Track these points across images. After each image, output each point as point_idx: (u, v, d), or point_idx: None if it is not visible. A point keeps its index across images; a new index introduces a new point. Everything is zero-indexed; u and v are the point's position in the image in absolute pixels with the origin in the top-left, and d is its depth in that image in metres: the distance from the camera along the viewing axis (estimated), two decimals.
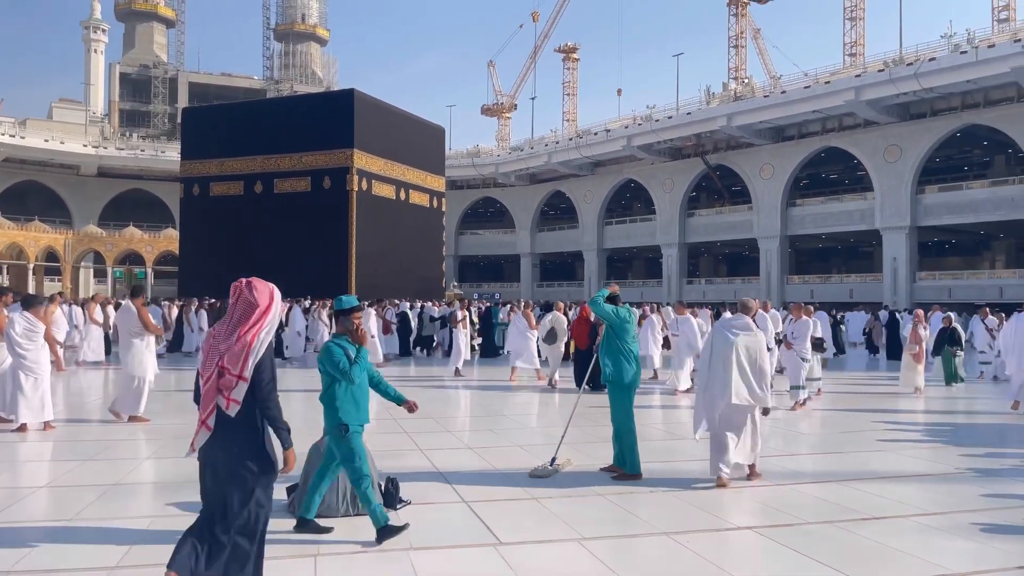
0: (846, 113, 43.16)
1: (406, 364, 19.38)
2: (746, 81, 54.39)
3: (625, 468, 6.83)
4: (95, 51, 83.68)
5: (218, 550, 3.66)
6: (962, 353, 15.44)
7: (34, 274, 51.15)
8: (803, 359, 11.79)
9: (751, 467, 6.84)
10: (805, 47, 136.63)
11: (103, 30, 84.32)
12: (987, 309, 17.72)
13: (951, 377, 15.10)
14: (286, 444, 3.79)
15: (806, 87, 44.11)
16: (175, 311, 21.93)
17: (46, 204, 59.37)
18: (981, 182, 41.68)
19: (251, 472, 3.67)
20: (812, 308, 14.24)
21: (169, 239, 50.60)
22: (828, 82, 43.14)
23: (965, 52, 36.84)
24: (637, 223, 58.23)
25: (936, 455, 8.20)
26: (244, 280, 3.87)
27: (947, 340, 15.27)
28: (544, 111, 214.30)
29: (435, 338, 22.68)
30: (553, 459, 7.09)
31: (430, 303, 26.22)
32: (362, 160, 31.11)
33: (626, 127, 53.61)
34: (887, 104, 40.72)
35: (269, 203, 31.71)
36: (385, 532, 4.87)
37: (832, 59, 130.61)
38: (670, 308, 18.20)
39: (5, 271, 50.83)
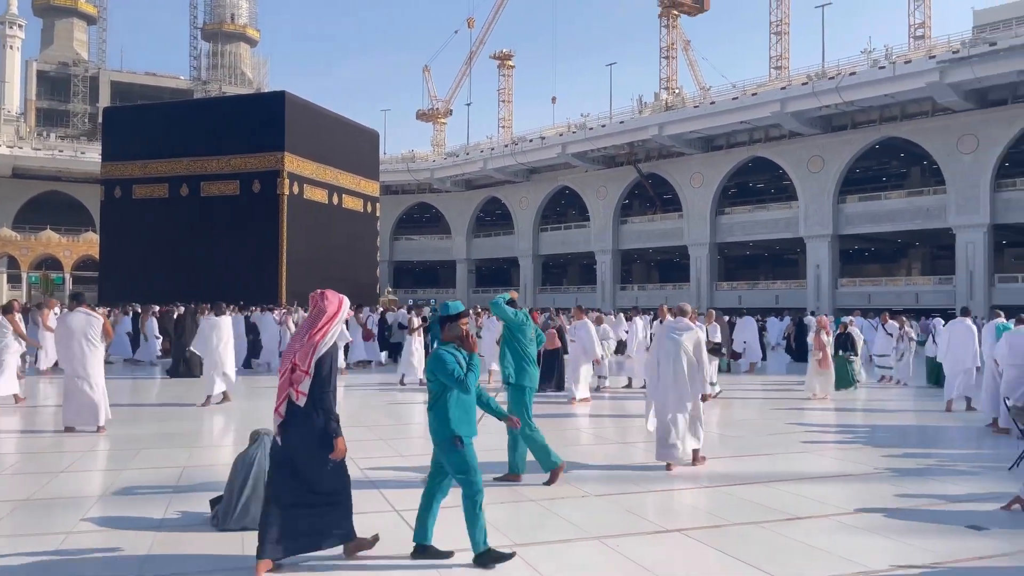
0: (772, 124, 44.53)
1: (387, 371, 18.90)
2: (677, 91, 55.60)
3: (543, 468, 6.80)
4: (10, 47, 79.75)
5: (318, 510, 4.52)
6: (856, 358, 15.47)
7: None
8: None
9: (696, 451, 7.61)
10: (733, 60, 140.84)
11: (19, 25, 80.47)
12: (887, 315, 18.00)
13: (845, 382, 14.82)
14: (334, 433, 4.47)
15: (734, 98, 45.34)
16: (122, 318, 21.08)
17: None
18: (898, 192, 43.57)
19: (314, 457, 4.48)
20: (675, 311, 14.10)
21: (89, 243, 48.70)
22: (755, 94, 44.45)
23: (883, 68, 38.49)
24: (572, 230, 58.79)
25: (857, 456, 8.47)
26: (320, 291, 4.66)
27: (841, 345, 15.39)
28: (480, 117, 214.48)
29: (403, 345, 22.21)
30: None
31: (403, 309, 25.62)
32: (293, 163, 30.55)
33: (561, 135, 54.12)
34: (810, 116, 42.19)
35: (196, 207, 30.82)
36: (487, 557, 4.59)
37: (759, 72, 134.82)
38: (610, 314, 18.28)
39: None
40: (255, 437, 5.65)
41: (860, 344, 16.26)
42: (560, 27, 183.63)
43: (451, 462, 4.68)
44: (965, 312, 12.74)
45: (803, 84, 41.75)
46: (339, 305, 4.60)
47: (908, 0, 57.72)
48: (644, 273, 63.60)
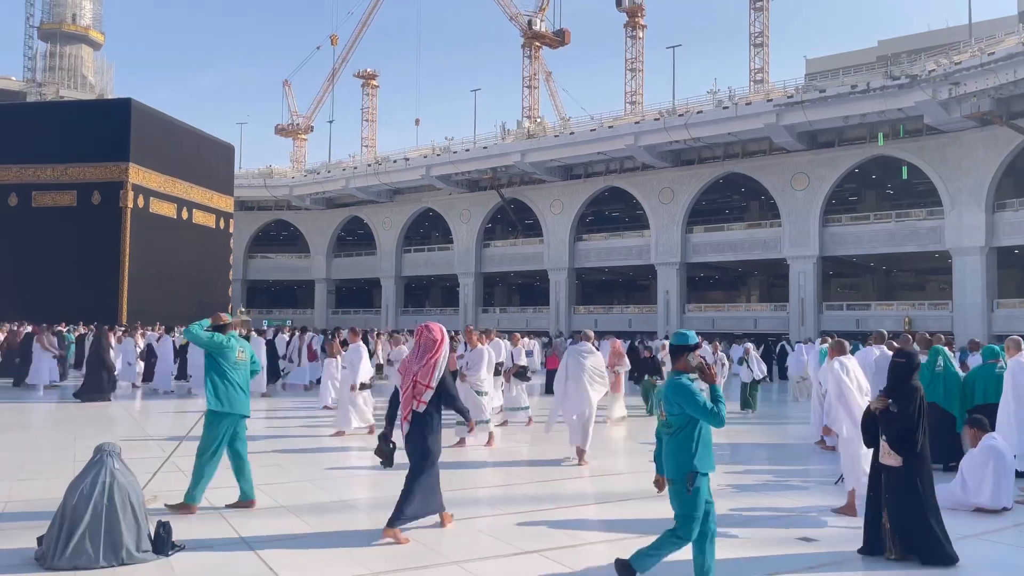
0: (627, 156, 46.64)
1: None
2: (539, 121, 57.15)
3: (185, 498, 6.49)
4: None
5: (417, 492, 5.85)
6: (661, 382, 16.13)
7: None
8: (478, 392, 10.86)
9: (581, 451, 9.26)
10: (592, 93, 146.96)
11: None
12: (717, 343, 18.43)
13: (648, 407, 14.65)
14: (467, 418, 6.41)
15: (592, 130, 47.15)
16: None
17: None
18: (740, 224, 46.77)
19: (428, 449, 5.90)
20: (495, 334, 14.30)
21: None
22: (611, 127, 46.45)
23: (727, 108, 41.34)
24: (436, 252, 58.79)
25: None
26: (424, 324, 6.18)
27: (647, 370, 15.82)
28: (342, 136, 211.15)
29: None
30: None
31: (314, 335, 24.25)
32: (139, 175, 28.86)
33: (425, 157, 54.18)
34: (662, 150, 44.57)
35: (26, 218, 28.43)
36: None
37: (615, 106, 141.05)
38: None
39: None
40: (97, 453, 5.23)
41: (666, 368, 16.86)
42: (425, 50, 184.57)
43: (680, 500, 4.50)
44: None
45: (655, 119, 44.07)
46: (442, 333, 6.13)
47: (750, 46, 62.43)
48: (506, 296, 64.51)
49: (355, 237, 64.63)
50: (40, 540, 5.09)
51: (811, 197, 41.35)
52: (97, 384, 15.52)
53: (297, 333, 21.58)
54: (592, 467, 9.21)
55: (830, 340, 8.24)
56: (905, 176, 39.05)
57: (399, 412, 6.03)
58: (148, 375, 18.65)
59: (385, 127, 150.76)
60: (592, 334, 10.51)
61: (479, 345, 11.27)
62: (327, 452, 10.15)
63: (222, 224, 35.19)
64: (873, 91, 36.48)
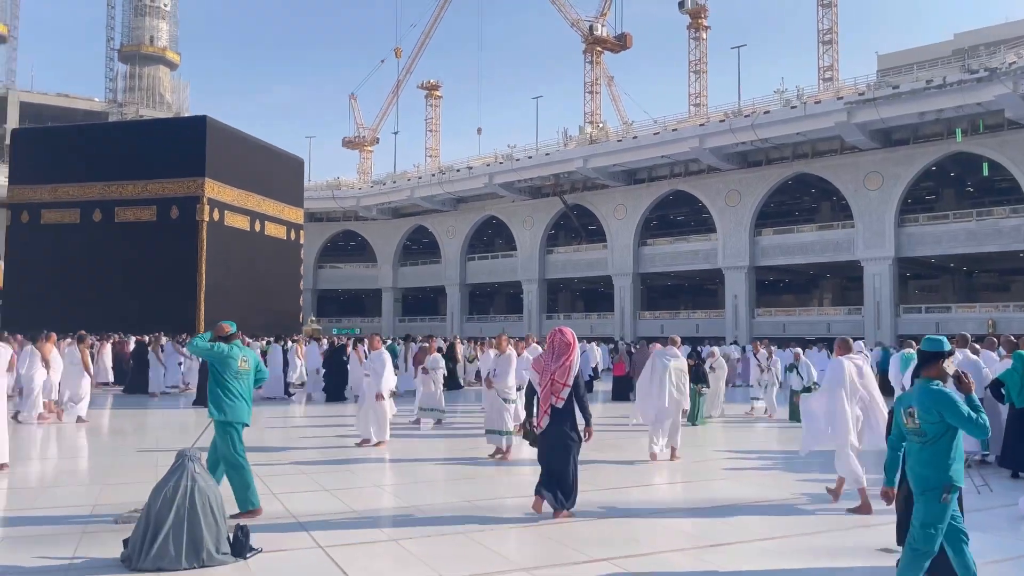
0: (691, 159, 46.01)
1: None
2: (601, 126, 56.90)
3: (240, 507, 6.51)
4: None
5: (559, 487, 6.66)
6: (707, 390, 14.74)
7: None
8: (505, 399, 10.32)
9: (673, 449, 9.90)
10: (655, 96, 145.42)
11: None
12: (758, 343, 17.81)
13: (694, 417, 13.74)
14: (589, 423, 6.79)
15: (655, 133, 46.69)
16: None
17: None
18: (810, 226, 45.54)
19: (571, 439, 6.75)
20: (533, 340, 14.02)
21: None
22: (675, 130, 45.89)
23: (795, 107, 40.37)
24: (499, 259, 59.06)
25: (776, 482, 8.72)
26: (558, 328, 6.96)
27: (693, 378, 14.52)
28: (407, 146, 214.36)
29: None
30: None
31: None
32: (214, 189, 29.84)
33: (488, 165, 54.55)
34: (728, 152, 43.79)
35: (110, 233, 29.71)
36: None
37: (679, 108, 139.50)
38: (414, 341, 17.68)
39: None
40: (179, 459, 5.41)
41: (721, 375, 15.90)
42: (486, 60, 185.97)
43: (928, 511, 4.21)
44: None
45: (720, 121, 43.37)
46: (573, 337, 6.95)
47: (818, 44, 60.91)
48: (570, 302, 64.32)
49: (420, 246, 65.47)
50: (126, 542, 5.28)
51: (885, 197, 40.00)
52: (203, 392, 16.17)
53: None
54: (654, 474, 9.08)
55: (840, 339, 8.12)
56: (986, 173, 37.37)
57: (538, 407, 6.81)
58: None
59: (448, 137, 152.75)
60: (679, 340, 11.10)
61: (508, 351, 10.80)
62: (402, 458, 10.28)
63: (293, 236, 36.09)
64: (950, 86, 35.10)
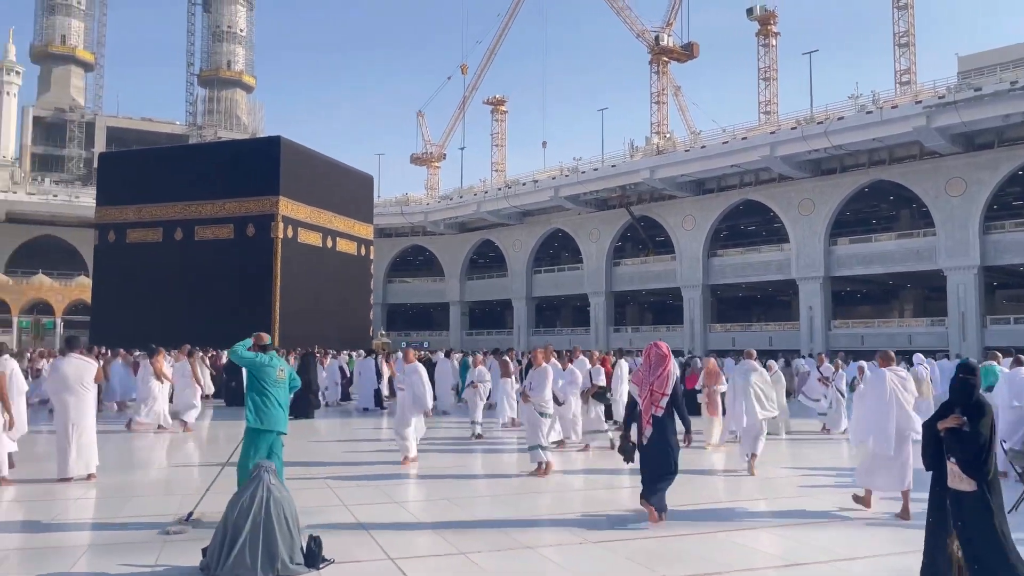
0: (762, 168, 45.06)
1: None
2: (668, 136, 56.35)
3: None
4: (7, 94, 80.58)
5: (658, 491, 7.06)
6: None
7: None
8: (541, 413, 9.93)
9: (753, 457, 10.09)
10: (723, 105, 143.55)
11: (17, 72, 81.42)
12: (823, 355, 16.86)
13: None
14: (689, 430, 7.41)
15: (724, 143, 45.91)
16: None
17: None
18: (889, 235, 43.91)
19: (670, 446, 7.12)
20: (579, 352, 13.56)
21: (81, 287, 48.51)
22: (745, 138, 45.04)
23: (871, 112, 39.13)
24: (565, 272, 58.93)
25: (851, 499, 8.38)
26: (654, 343, 7.42)
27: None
28: (473, 161, 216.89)
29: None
30: (190, 514, 6.85)
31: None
32: (288, 207, 30.67)
33: (553, 178, 54.60)
34: (800, 160, 42.72)
35: (190, 250, 30.82)
36: None
37: (748, 117, 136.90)
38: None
39: None
40: (255, 470, 5.53)
41: (780, 390, 14.69)
42: (551, 73, 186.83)
43: None
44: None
45: (792, 129, 42.36)
46: (667, 350, 7.40)
47: (894, 47, 59.03)
48: (638, 315, 63.65)
49: (487, 260, 65.91)
50: (205, 551, 5.42)
51: (969, 203, 38.31)
52: (304, 404, 16.71)
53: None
54: (728, 488, 8.84)
55: (881, 352, 8.43)
56: None
57: (640, 418, 7.24)
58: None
59: (514, 150, 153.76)
60: (754, 352, 11.51)
61: (543, 364, 10.38)
62: (471, 473, 10.30)
63: (363, 251, 36.79)
64: None
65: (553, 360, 12.08)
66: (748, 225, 52.89)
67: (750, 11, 64.88)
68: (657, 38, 66.32)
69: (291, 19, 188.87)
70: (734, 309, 57.95)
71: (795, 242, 44.81)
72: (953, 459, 4.88)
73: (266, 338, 7.39)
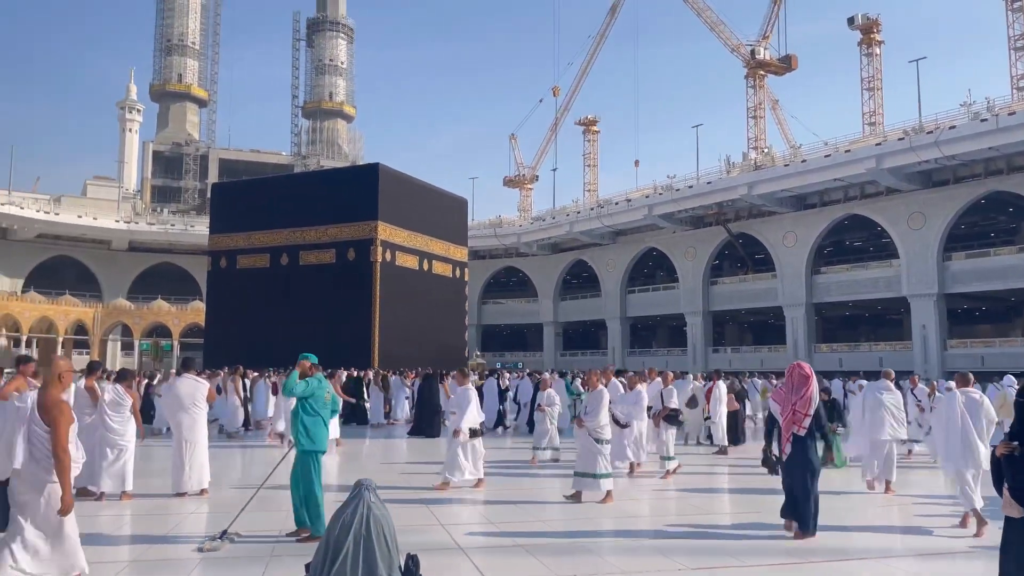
0: (868, 181, 43.22)
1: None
2: (766, 151, 54.89)
3: (313, 531, 6.94)
4: (129, 130, 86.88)
5: (800, 508, 7.20)
6: (843, 429, 13.16)
7: (63, 347, 51.82)
8: (598, 440, 9.30)
9: (888, 483, 10.14)
10: (824, 117, 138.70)
11: (138, 110, 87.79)
12: (916, 377, 15.59)
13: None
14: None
15: (827, 156, 44.34)
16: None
17: (77, 278, 60.57)
18: (1009, 248, 41.16)
19: (813, 466, 7.23)
20: (654, 374, 13.08)
21: (196, 311, 51.25)
22: (848, 151, 43.37)
23: (985, 120, 36.97)
24: (660, 291, 58.04)
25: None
26: (796, 363, 7.58)
27: (827, 415, 12.73)
28: (566, 182, 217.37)
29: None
30: (224, 531, 6.89)
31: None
32: (386, 232, 31.52)
33: (647, 196, 54.04)
34: (909, 172, 40.74)
35: (295, 275, 32.07)
36: None
37: (851, 128, 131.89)
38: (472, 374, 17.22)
39: (35, 344, 51.55)
40: (356, 487, 5.64)
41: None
42: (643, 92, 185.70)
43: None
44: None
45: (899, 139, 40.50)
46: (810, 370, 7.50)
47: (1009, 51, 55.67)
48: (737, 335, 61.93)
49: (580, 280, 65.72)
50: (307, 567, 5.56)
51: None
52: (428, 423, 17.32)
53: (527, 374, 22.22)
54: (848, 510, 8.41)
55: (958, 373, 8.43)
56: None
57: (780, 436, 7.47)
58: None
59: (606, 170, 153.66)
60: (892, 373, 11.14)
61: (599, 387, 9.81)
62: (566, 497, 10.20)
63: (458, 273, 37.37)
64: None
65: (615, 381, 11.84)
66: (854, 241, 50.77)
67: (851, 20, 62.73)
68: (753, 51, 64.94)
69: (388, 51, 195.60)
70: (840, 328, 55.56)
71: (905, 258, 42.66)
72: (1006, 485, 4.74)
73: (308, 365, 7.62)
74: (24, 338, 49.84)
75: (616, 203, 56.26)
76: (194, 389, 9.74)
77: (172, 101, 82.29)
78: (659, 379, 12.89)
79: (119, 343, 59.25)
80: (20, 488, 5.07)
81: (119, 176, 78.65)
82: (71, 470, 5.12)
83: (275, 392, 16.63)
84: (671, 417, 11.51)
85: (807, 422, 7.20)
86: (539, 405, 13.51)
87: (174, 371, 19.54)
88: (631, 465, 11.74)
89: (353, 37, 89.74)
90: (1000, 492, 4.84)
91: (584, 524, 8.27)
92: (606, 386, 11.49)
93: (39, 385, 6.26)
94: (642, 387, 11.81)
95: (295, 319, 30.52)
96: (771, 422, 7.85)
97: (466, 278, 38.48)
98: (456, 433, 10.09)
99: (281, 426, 15.65)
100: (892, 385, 10.78)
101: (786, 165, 46.56)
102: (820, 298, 47.62)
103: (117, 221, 60.16)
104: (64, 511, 5.05)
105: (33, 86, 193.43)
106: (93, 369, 10.14)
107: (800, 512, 7.18)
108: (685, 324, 54.93)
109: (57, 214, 56.82)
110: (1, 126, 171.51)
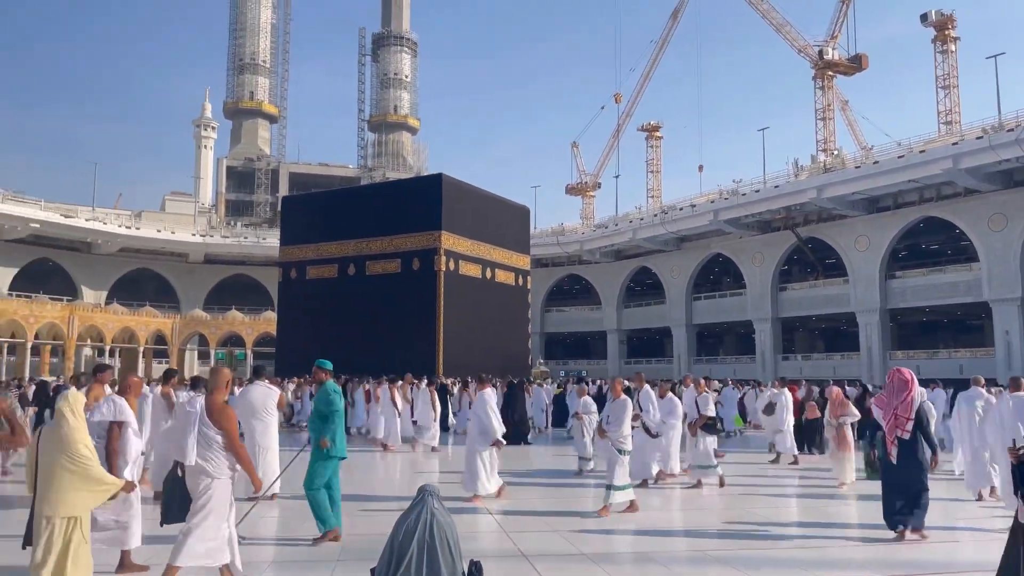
0: (944, 182, 41.64)
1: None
2: (836, 152, 53.44)
3: (328, 528, 7.31)
4: (205, 147, 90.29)
5: (916, 506, 7.53)
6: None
7: (143, 357, 54.03)
8: (619, 450, 9.08)
9: (993, 488, 10.12)
10: (896, 117, 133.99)
11: (212, 128, 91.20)
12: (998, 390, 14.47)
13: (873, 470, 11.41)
14: (936, 452, 7.69)
15: (900, 157, 42.91)
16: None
17: (157, 290, 63.14)
18: None
19: (921, 466, 7.59)
20: (689, 380, 12.75)
21: (268, 321, 52.73)
22: (923, 151, 41.88)
23: None
24: (727, 298, 57.02)
25: None
26: (896, 368, 7.88)
27: (876, 424, 11.84)
28: (629, 189, 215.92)
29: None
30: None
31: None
32: (449, 241, 31.84)
33: (712, 201, 53.23)
34: (988, 171, 39.07)
35: (361, 285, 32.66)
36: None
37: (926, 128, 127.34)
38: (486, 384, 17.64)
39: (117, 354, 53.88)
40: (420, 493, 5.74)
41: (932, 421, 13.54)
42: (707, 96, 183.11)
43: None
44: None
45: (978, 138, 38.89)
46: (911, 375, 7.79)
47: None
48: (808, 342, 60.32)
49: (643, 287, 65.09)
50: (372, 572, 5.68)
51: None
52: (516, 431, 17.54)
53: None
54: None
55: (1011, 377, 8.96)
56: None
57: (884, 440, 7.72)
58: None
59: (670, 176, 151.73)
60: (982, 380, 11.19)
61: (621, 396, 9.47)
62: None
63: (520, 281, 37.45)
64: None
65: (646, 388, 11.58)
66: (930, 244, 48.95)
67: (924, 17, 60.64)
68: (820, 52, 63.40)
69: (450, 62, 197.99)
70: (917, 335, 53.54)
71: (986, 261, 40.89)
72: (1019, 493, 4.65)
73: (321, 373, 7.88)
74: (108, 348, 52.12)
75: (680, 208, 55.58)
76: (265, 396, 10.06)
77: (244, 118, 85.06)
78: (692, 387, 12.55)
79: (196, 352, 61.45)
80: (190, 483, 5.66)
81: (195, 191, 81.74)
82: (246, 460, 5.89)
83: (368, 400, 17.57)
84: (708, 426, 11.19)
85: (910, 425, 7.51)
86: (576, 412, 13.44)
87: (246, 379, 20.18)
88: (659, 474, 11.65)
89: (416, 51, 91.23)
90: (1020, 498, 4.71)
91: (648, 534, 8.22)
92: (635, 394, 11.51)
93: (109, 393, 6.63)
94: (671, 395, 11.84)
95: (362, 328, 31.06)
96: (874, 427, 8.15)
97: (529, 286, 38.52)
98: (497, 444, 9.82)
99: (381, 432, 16.55)
100: (984, 392, 10.72)
101: (857, 167, 45.23)
102: (895, 303, 46.03)
103: (193, 235, 62.54)
104: (257, 488, 6.24)
105: (115, 108, 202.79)
106: (169, 377, 10.57)
107: (917, 510, 7.47)
108: (753, 331, 53.81)
109: (138, 229, 59.38)
110: (86, 146, 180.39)
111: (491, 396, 10.11)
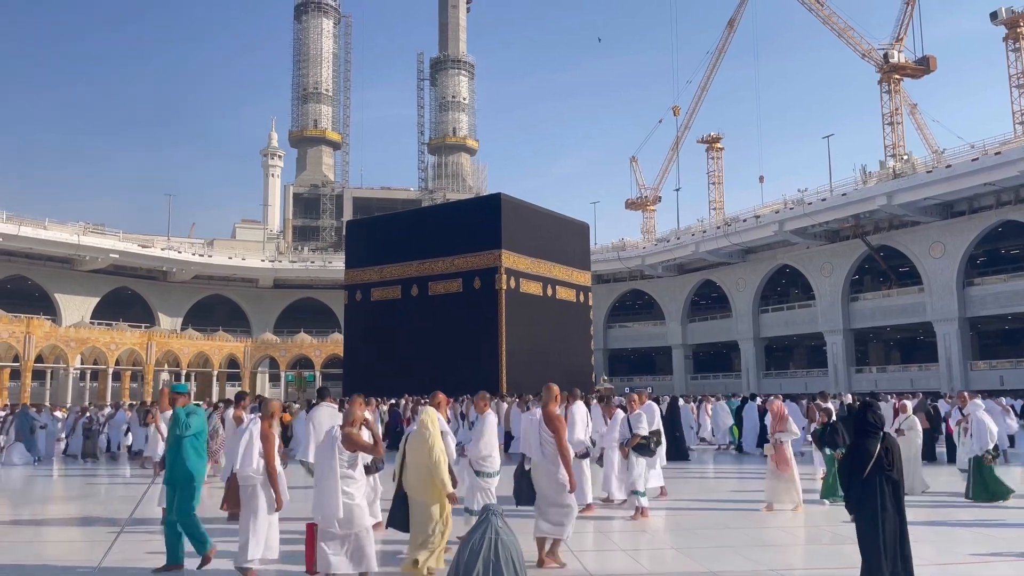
0: (1023, 184, 39.90)
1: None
2: (905, 157, 51.79)
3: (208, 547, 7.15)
4: (272, 175, 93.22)
5: None
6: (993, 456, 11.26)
7: (217, 380, 55.72)
8: (477, 472, 8.65)
9: None
10: (969, 119, 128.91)
11: (279, 156, 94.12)
12: (965, 394, 13.68)
13: (829, 490, 10.89)
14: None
15: (974, 159, 41.36)
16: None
17: (229, 315, 65.22)
18: None
19: None
20: (646, 397, 11.64)
21: (335, 343, 53.82)
22: (999, 152, 40.27)
23: None
24: (796, 310, 55.63)
25: None
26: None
27: (826, 440, 10.71)
28: (689, 202, 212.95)
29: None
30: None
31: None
32: (510, 259, 31.98)
33: (777, 212, 52.16)
34: None
35: (424, 305, 33.07)
36: None
37: (1001, 129, 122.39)
38: (508, 401, 16.43)
39: (193, 378, 55.72)
40: (483, 513, 5.78)
41: (914, 439, 12.29)
42: (767, 105, 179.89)
43: None
44: None
45: None
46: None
47: None
48: (883, 353, 58.30)
49: (708, 301, 64.05)
50: None
51: None
52: (676, 447, 17.66)
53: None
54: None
55: None
56: None
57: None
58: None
59: (732, 187, 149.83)
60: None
61: (487, 412, 8.76)
62: (697, 522, 9.95)
63: (582, 298, 37.33)
64: None
65: (578, 403, 10.56)
66: (1010, 249, 46.90)
67: (994, 15, 58.51)
68: (886, 56, 61.73)
69: (507, 82, 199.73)
70: (1000, 344, 51.15)
71: None
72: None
73: (176, 396, 7.77)
74: (184, 372, 53.96)
75: (744, 220, 54.63)
76: (331, 417, 10.25)
77: (309, 146, 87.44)
78: (651, 403, 11.57)
79: (267, 375, 63.07)
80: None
81: (264, 218, 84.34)
82: (273, 475, 6.83)
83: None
84: (642, 447, 10.25)
85: None
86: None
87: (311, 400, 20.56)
88: (605, 499, 10.97)
89: (473, 73, 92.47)
90: None
91: (729, 551, 8.06)
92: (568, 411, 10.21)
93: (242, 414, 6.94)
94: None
95: (426, 348, 31.40)
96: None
97: (590, 302, 38.35)
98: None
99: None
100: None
101: (929, 171, 43.75)
102: (975, 312, 44.17)
103: (263, 260, 64.49)
104: (279, 506, 7.02)
105: (186, 139, 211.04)
106: (240, 399, 10.89)
107: None
108: (824, 343, 52.32)
109: (210, 256, 61.54)
110: (159, 177, 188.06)
111: (492, 418, 8.96)
